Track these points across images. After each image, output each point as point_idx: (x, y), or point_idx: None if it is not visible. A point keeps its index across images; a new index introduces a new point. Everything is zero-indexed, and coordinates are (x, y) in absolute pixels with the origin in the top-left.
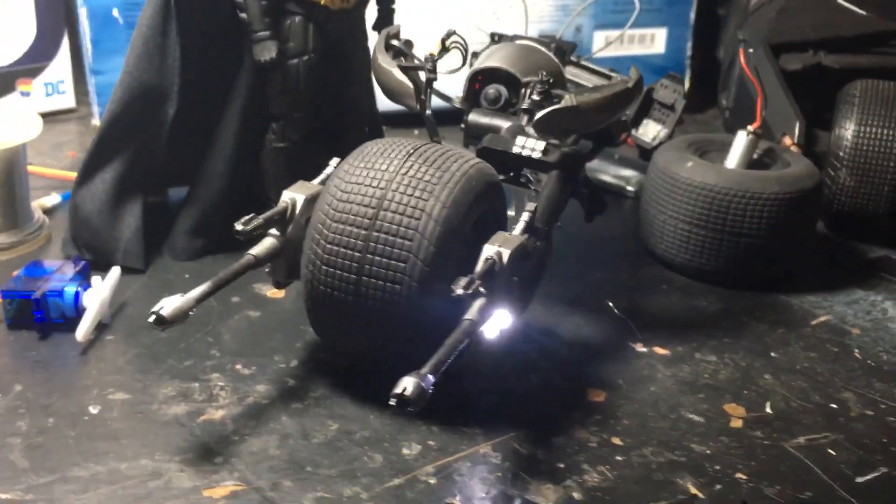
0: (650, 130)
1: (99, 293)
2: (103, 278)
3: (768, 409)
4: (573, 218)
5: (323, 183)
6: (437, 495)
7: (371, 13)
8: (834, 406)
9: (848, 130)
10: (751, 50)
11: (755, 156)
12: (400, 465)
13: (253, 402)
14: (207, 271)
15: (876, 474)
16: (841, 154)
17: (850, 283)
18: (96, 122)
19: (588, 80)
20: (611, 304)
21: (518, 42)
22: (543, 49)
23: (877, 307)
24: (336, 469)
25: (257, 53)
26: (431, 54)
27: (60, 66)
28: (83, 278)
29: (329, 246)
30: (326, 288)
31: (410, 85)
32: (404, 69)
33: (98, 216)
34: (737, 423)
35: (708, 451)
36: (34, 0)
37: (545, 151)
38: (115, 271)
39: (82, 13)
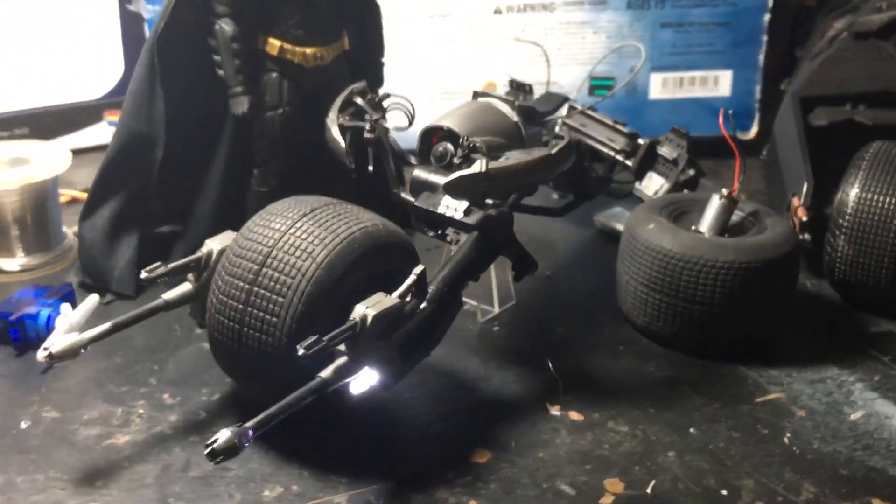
0: (652, 184)
1: (67, 317)
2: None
3: (649, 490)
4: (565, 267)
5: None
6: None
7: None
8: (724, 493)
9: (849, 195)
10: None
11: (736, 218)
12: None
13: (159, 431)
14: None
15: None
16: (840, 221)
17: (828, 358)
18: None
19: (595, 130)
20: (549, 361)
21: (480, 100)
22: (504, 108)
23: (842, 388)
24: None
25: (232, 107)
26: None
27: None
28: (63, 303)
29: (220, 296)
30: (217, 334)
31: (342, 143)
32: (342, 127)
33: (98, 246)
34: (607, 500)
35: None
36: (122, 41)
37: (466, 212)
38: (92, 299)
39: None
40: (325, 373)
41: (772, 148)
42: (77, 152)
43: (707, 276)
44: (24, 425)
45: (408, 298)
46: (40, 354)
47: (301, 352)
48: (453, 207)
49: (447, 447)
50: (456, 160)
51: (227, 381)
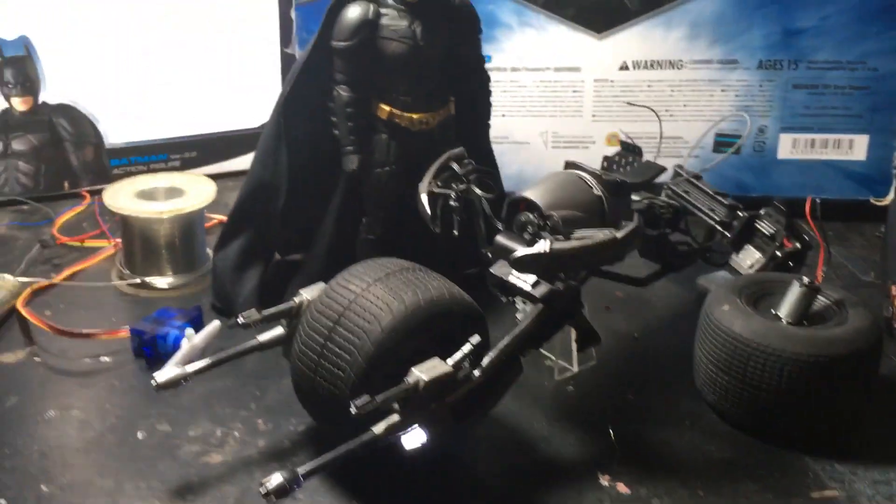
0: (748, 257)
1: (189, 339)
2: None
3: None
4: (655, 330)
5: None
6: None
7: None
8: None
9: None
10: None
11: (818, 306)
12: None
13: (247, 455)
14: None
15: None
16: None
17: None
18: None
19: (697, 199)
20: (611, 430)
21: (568, 172)
22: (589, 180)
23: None
24: None
25: (344, 164)
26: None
27: None
28: (191, 326)
29: (301, 345)
30: (297, 377)
31: (428, 211)
32: (431, 194)
33: (227, 275)
34: None
35: None
36: (280, 77)
37: (534, 284)
38: (214, 325)
39: None
40: (378, 428)
41: (887, 227)
42: (235, 175)
43: (774, 366)
44: (140, 436)
45: (463, 366)
46: (152, 382)
47: (354, 410)
48: (523, 278)
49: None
50: (526, 236)
51: None
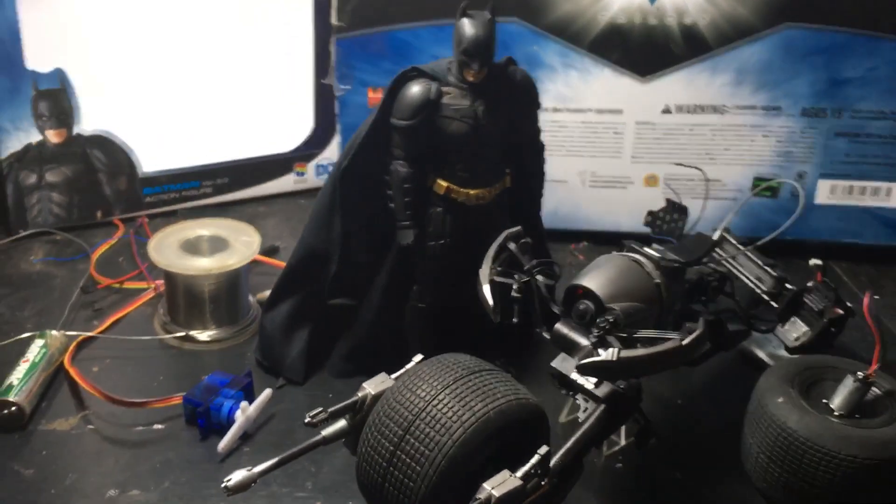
0: (795, 329)
1: (244, 412)
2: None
3: None
4: (699, 395)
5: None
6: None
7: None
8: None
9: None
10: None
11: (871, 396)
12: None
13: None
14: (349, 391)
15: None
16: None
17: None
18: None
19: (745, 266)
20: None
21: (625, 258)
22: (648, 266)
23: None
24: None
25: (399, 238)
26: (529, 275)
27: (331, 151)
28: (243, 395)
29: (369, 448)
30: (364, 478)
31: (490, 302)
32: (492, 283)
33: (275, 337)
34: None
35: None
36: (314, 105)
37: (597, 384)
38: (266, 393)
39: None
40: None
41: None
42: (268, 198)
43: (828, 466)
44: None
45: (531, 476)
46: (222, 485)
47: None
48: (585, 377)
49: None
50: (591, 339)
51: None
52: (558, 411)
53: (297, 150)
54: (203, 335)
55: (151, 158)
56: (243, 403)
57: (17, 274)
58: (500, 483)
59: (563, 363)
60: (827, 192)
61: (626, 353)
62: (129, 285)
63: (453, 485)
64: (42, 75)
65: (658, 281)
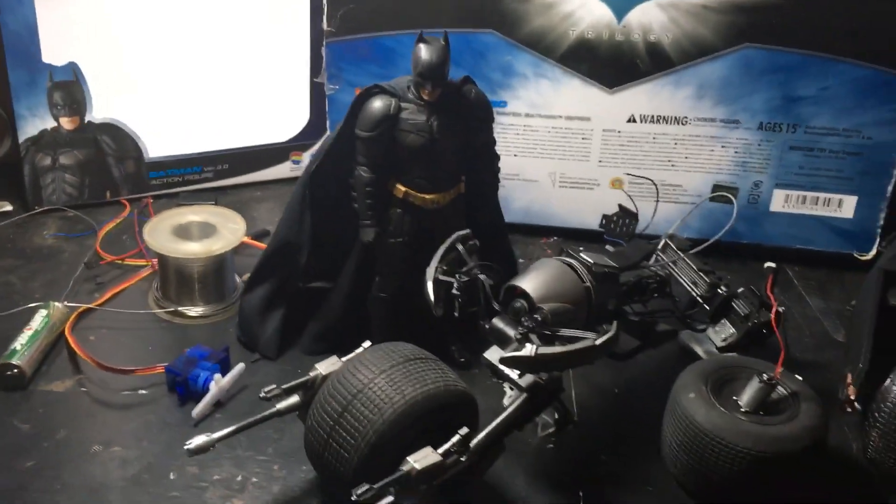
0: (724, 331)
1: (217, 383)
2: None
3: None
4: (636, 386)
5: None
6: None
7: None
8: None
9: (893, 390)
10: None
11: (776, 395)
12: None
13: (263, 501)
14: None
15: None
16: (876, 413)
17: None
18: None
19: (683, 271)
20: (581, 494)
21: (556, 261)
22: (581, 271)
23: None
24: None
25: (361, 235)
26: (467, 273)
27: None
28: (219, 367)
29: (313, 423)
30: (309, 448)
31: (431, 298)
32: (436, 281)
33: (252, 317)
34: None
35: None
36: (309, 98)
37: (520, 375)
38: (240, 367)
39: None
40: None
41: (854, 311)
42: (265, 184)
43: (726, 458)
44: (171, 476)
45: (451, 453)
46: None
47: (354, 497)
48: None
49: None
50: (516, 336)
51: None
52: (498, 396)
53: (293, 140)
54: (192, 311)
55: (157, 144)
56: (216, 375)
57: (30, 247)
58: (423, 458)
59: (493, 353)
60: (782, 201)
61: (542, 350)
62: (129, 262)
63: (382, 457)
64: (57, 68)
65: (588, 284)
